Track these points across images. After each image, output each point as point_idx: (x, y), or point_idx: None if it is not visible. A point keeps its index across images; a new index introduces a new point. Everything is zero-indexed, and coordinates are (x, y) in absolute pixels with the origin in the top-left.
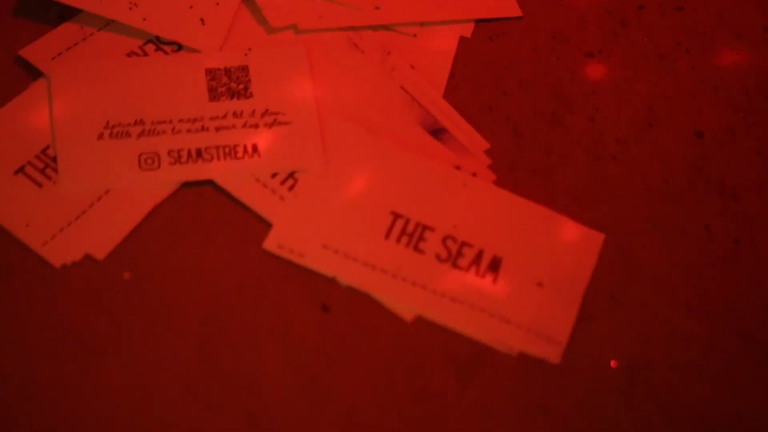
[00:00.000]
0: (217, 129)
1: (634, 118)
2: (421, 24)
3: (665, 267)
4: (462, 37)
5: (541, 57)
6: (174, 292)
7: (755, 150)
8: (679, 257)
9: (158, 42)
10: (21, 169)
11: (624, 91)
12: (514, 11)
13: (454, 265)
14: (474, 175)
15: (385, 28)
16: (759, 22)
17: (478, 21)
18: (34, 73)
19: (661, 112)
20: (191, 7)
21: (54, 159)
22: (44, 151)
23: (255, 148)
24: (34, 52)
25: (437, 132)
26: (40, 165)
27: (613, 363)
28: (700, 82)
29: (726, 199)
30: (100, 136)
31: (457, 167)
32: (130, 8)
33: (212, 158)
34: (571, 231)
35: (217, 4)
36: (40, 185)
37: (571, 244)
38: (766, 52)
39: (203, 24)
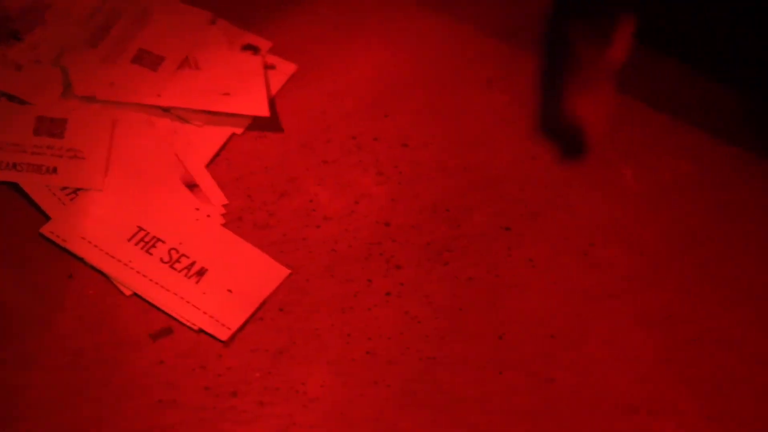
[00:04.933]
0: (32, 153)
1: (344, 207)
2: (193, 111)
3: (328, 304)
4: (234, 133)
5: (289, 156)
6: None
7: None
8: (341, 304)
9: (7, 95)
10: None
11: (342, 190)
12: (263, 112)
13: (172, 267)
14: (208, 216)
15: (179, 118)
16: None
17: (255, 120)
18: None
19: (363, 207)
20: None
21: None
22: None
23: (54, 170)
24: None
25: (192, 186)
26: None
27: None
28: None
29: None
30: None
31: (197, 209)
32: None
33: (23, 170)
34: (264, 263)
35: None
36: None
37: (262, 270)
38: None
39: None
